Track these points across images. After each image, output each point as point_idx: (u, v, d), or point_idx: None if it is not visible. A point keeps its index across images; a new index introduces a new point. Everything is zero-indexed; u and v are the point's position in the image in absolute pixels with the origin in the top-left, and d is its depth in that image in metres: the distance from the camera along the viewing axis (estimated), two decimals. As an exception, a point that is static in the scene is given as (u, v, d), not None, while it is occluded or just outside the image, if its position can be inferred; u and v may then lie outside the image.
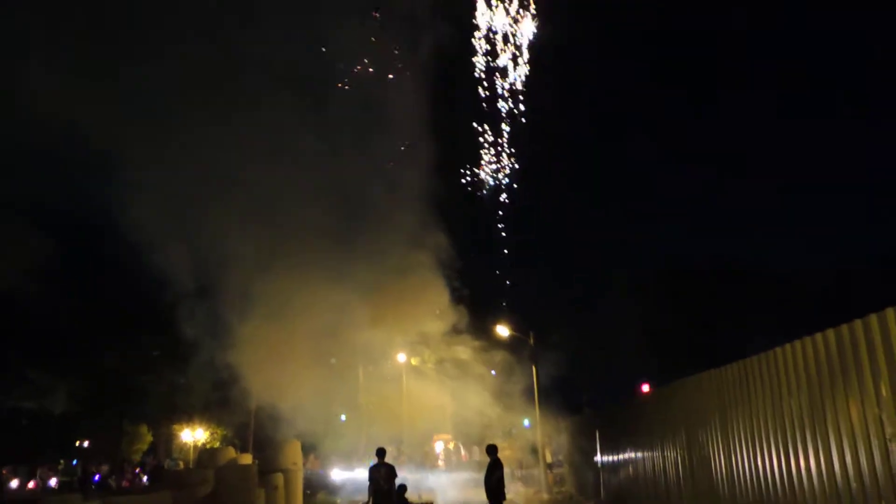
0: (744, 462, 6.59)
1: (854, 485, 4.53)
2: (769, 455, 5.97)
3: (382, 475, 12.96)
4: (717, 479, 7.40)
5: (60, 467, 39.23)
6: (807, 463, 5.24)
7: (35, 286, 27.05)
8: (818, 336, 5.02)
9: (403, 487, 16.77)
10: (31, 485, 31.75)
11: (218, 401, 35.84)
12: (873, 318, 4.32)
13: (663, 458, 9.75)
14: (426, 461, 30.31)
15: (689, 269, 31.68)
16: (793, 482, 5.51)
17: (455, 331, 31.55)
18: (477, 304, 34.73)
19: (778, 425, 5.77)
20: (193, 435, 43.70)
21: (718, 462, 7.36)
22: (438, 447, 34.12)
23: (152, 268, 23.00)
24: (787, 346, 5.55)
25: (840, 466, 4.72)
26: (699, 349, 7.62)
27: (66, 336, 30.93)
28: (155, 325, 26.37)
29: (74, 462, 39.43)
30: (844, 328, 4.65)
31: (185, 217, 21.60)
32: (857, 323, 4.48)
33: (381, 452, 13.48)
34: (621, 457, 13.05)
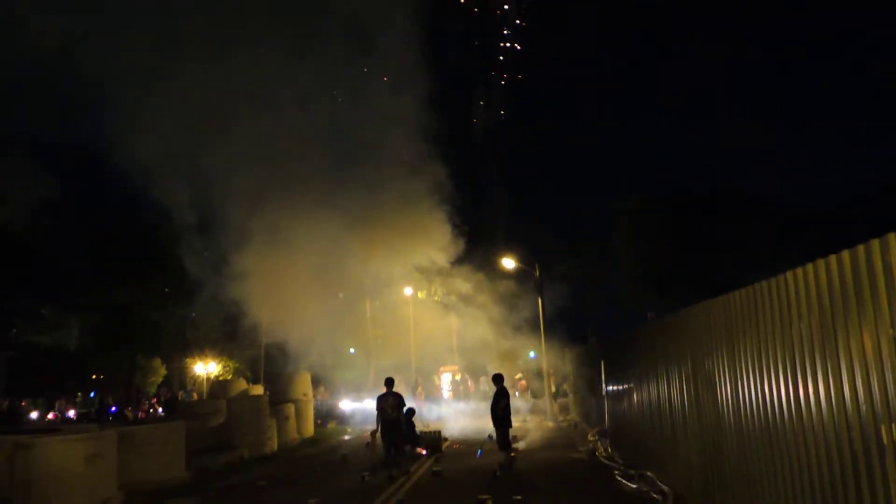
0: (751, 389, 6.50)
1: (864, 408, 4.40)
2: (777, 382, 5.86)
3: (390, 404, 13.17)
4: (722, 407, 7.34)
5: (79, 400, 40.29)
6: (815, 389, 5.11)
7: (45, 223, 27.15)
8: (832, 258, 4.81)
9: (412, 411, 17.05)
10: (50, 416, 32.61)
11: (228, 335, 36.40)
12: (892, 237, 4.10)
13: (668, 387, 9.71)
14: (433, 392, 30.79)
15: (694, 197, 31.28)
16: (800, 408, 5.40)
17: (460, 263, 31.58)
18: (483, 237, 34.68)
19: (787, 351, 5.63)
20: (206, 368, 44.62)
21: (724, 390, 7.28)
22: (445, 379, 34.61)
23: (159, 203, 23.00)
24: (799, 269, 5.35)
25: (850, 390, 4.58)
26: (704, 280, 7.48)
27: (76, 273, 31.17)
28: (164, 261, 26.47)
29: (92, 394, 40.46)
30: (860, 248, 4.43)
31: (188, 153, 21.45)
32: (875, 243, 4.26)
33: (389, 382, 13.63)
34: (625, 386, 13.08)
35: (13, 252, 26.65)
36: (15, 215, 26.21)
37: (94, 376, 40.40)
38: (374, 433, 13.70)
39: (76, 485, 10.66)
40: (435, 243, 25.69)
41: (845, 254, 4.62)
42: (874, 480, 4.33)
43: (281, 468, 15.15)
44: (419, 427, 17.50)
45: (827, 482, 4.97)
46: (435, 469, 13.00)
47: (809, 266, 5.17)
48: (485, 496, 9.65)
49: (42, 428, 14.88)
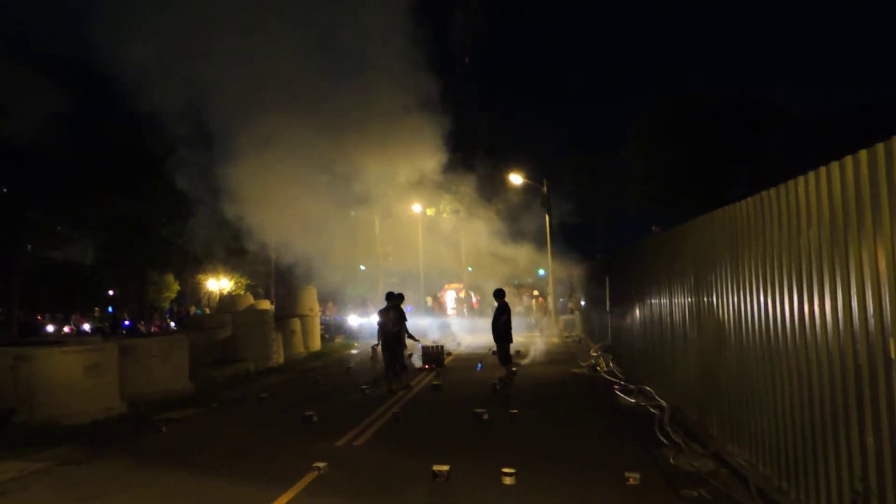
0: (754, 302, 6.21)
1: (873, 321, 4.09)
2: (781, 294, 5.55)
3: (391, 318, 13.06)
4: (724, 320, 7.08)
5: (96, 314, 40.98)
6: (821, 301, 4.80)
7: (52, 137, 26.79)
8: (847, 160, 4.39)
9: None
10: (66, 329, 33.20)
11: (237, 251, 36.49)
12: (917, 134, 3.68)
13: (670, 302, 9.47)
14: (438, 310, 30.97)
15: (706, 105, 30.16)
16: (804, 321, 5.11)
17: (467, 179, 31.11)
18: (491, 153, 34.02)
19: (793, 262, 5.29)
20: (219, 284, 45.04)
21: (727, 304, 7.01)
22: (450, 296, 34.76)
23: (165, 119, 22.61)
24: (811, 173, 4.94)
25: (859, 302, 4.26)
26: (715, 193, 7.12)
27: (85, 187, 30.99)
28: (172, 177, 26.15)
29: (110, 310, 41.16)
30: (880, 147, 4.01)
31: (191, 67, 20.96)
32: (896, 141, 3.85)
33: (390, 296, 13.49)
34: (628, 302, 12.88)
35: (21, 165, 26.44)
36: (21, 129, 25.84)
37: (111, 291, 41.01)
38: (375, 347, 13.68)
39: (77, 395, 10.74)
40: (439, 156, 25.25)
41: (862, 154, 4.20)
42: (878, 394, 4.08)
43: (285, 381, 15.29)
44: (423, 343, 17.56)
45: (828, 396, 4.74)
46: (435, 383, 13.04)
47: (822, 169, 4.76)
48: (481, 410, 9.61)
49: (49, 340, 14.98)
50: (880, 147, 4.02)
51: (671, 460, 6.99)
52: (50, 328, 34.07)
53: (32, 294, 33.26)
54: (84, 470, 7.61)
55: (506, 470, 6.40)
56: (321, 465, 6.92)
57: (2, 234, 26.98)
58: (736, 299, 6.70)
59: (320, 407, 10.70)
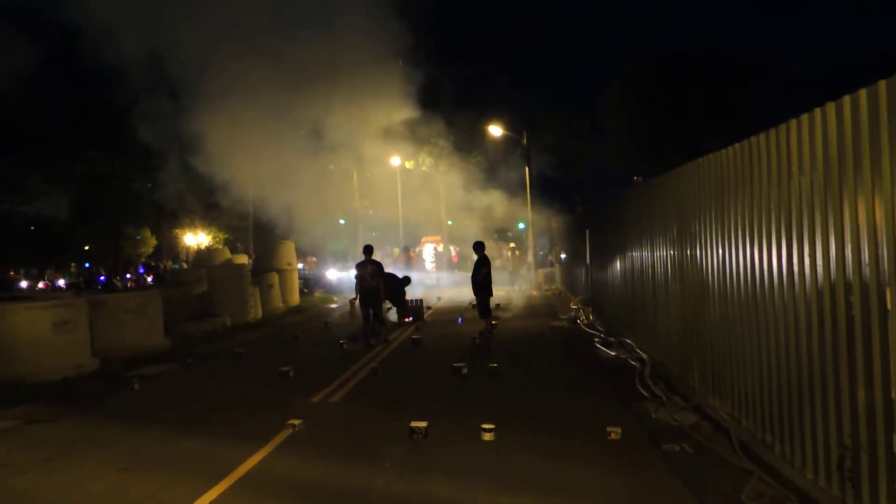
0: (739, 253, 6.02)
1: (867, 270, 3.91)
2: (769, 244, 5.35)
3: (369, 272, 12.79)
4: (708, 272, 6.91)
5: (72, 270, 40.32)
6: (812, 250, 4.60)
7: (20, 93, 25.94)
8: (845, 99, 4.14)
9: (407, 279, 16.87)
10: (40, 285, 32.60)
11: (214, 206, 35.90)
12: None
13: (652, 254, 9.29)
14: (414, 264, 30.77)
15: (687, 62, 29.76)
16: (792, 271, 4.93)
17: (447, 131, 30.58)
18: (472, 105, 33.44)
19: (783, 210, 5.08)
20: (196, 238, 44.48)
21: (711, 255, 6.83)
22: (427, 249, 34.53)
23: (133, 70, 21.85)
24: (804, 116, 4.68)
25: (853, 251, 4.07)
26: (697, 149, 6.95)
27: (55, 142, 30.21)
28: (141, 129, 25.42)
29: (87, 265, 40.52)
30: (882, 85, 3.77)
31: (157, 16, 20.26)
32: (899, 78, 3.61)
33: (368, 250, 13.22)
34: (609, 254, 12.73)
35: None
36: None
37: (87, 247, 40.32)
38: (353, 301, 13.47)
39: (46, 352, 10.43)
40: (416, 107, 24.81)
41: (862, 93, 3.95)
42: (871, 346, 3.92)
43: (262, 336, 15.10)
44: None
45: (816, 348, 4.59)
46: (414, 337, 12.89)
47: (817, 111, 4.51)
48: (460, 363, 9.47)
49: (16, 296, 14.57)
50: (882, 85, 3.77)
51: (652, 414, 6.91)
52: (23, 284, 33.44)
53: (3, 250, 32.60)
54: (52, 428, 7.38)
55: (485, 426, 6.26)
56: (296, 422, 6.74)
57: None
58: (721, 250, 6.52)
59: (297, 362, 10.52)
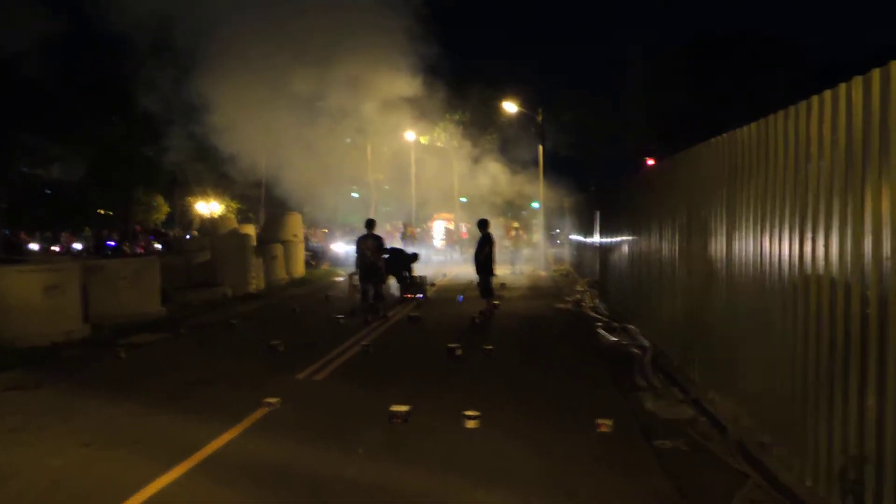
0: (749, 241, 5.60)
1: (888, 264, 3.50)
2: (781, 232, 4.93)
3: (369, 246, 12.44)
4: (715, 260, 6.51)
5: (87, 234, 40.47)
6: (827, 240, 4.18)
7: (35, 59, 25.87)
8: (874, 73, 3.69)
9: (415, 255, 16.55)
10: (55, 249, 32.73)
11: (227, 175, 35.84)
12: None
13: (660, 238, 8.87)
14: (424, 240, 30.45)
15: (713, 40, 28.84)
16: (804, 261, 4.50)
17: (463, 107, 30.07)
18: (488, 81, 32.82)
19: (798, 196, 4.65)
20: (209, 207, 44.47)
21: (719, 241, 6.41)
22: (438, 226, 34.15)
23: (146, 39, 21.66)
24: (827, 92, 4.23)
25: (873, 241, 3.66)
26: (719, 132, 6.52)
27: (70, 107, 30.16)
28: (153, 96, 25.25)
29: (103, 230, 40.60)
30: (916, 56, 3.33)
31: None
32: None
33: (369, 223, 12.88)
34: (617, 237, 12.30)
35: (7, 85, 25.51)
36: (3, 48, 24.76)
37: (102, 211, 40.43)
38: (352, 276, 13.18)
39: (35, 316, 10.20)
40: (432, 81, 24.38)
41: (894, 65, 3.51)
42: (885, 349, 3.52)
43: (261, 307, 14.85)
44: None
45: (825, 348, 4.18)
46: (412, 315, 12.57)
47: (841, 87, 4.06)
48: (455, 345, 9.14)
49: (11, 259, 14.41)
50: (916, 56, 3.33)
51: (648, 406, 6.54)
52: (34, 246, 33.53)
53: (18, 212, 32.70)
54: (27, 397, 7.14)
55: (469, 413, 5.93)
56: (274, 400, 6.45)
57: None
58: (730, 237, 6.09)
59: (290, 336, 10.25)
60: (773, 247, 5.10)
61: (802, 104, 4.62)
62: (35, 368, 8.51)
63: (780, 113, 4.98)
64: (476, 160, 31.26)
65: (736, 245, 5.93)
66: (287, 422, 6.05)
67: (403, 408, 6.06)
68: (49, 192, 35.87)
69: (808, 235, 4.47)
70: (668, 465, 5.05)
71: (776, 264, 5.02)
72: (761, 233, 5.32)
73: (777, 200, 5.01)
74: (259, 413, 6.24)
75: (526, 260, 25.13)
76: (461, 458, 5.16)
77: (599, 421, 5.78)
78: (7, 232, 33.86)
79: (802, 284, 4.54)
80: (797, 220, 4.65)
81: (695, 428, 5.84)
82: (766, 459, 4.90)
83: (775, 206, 5.05)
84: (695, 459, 5.17)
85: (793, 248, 4.72)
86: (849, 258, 3.92)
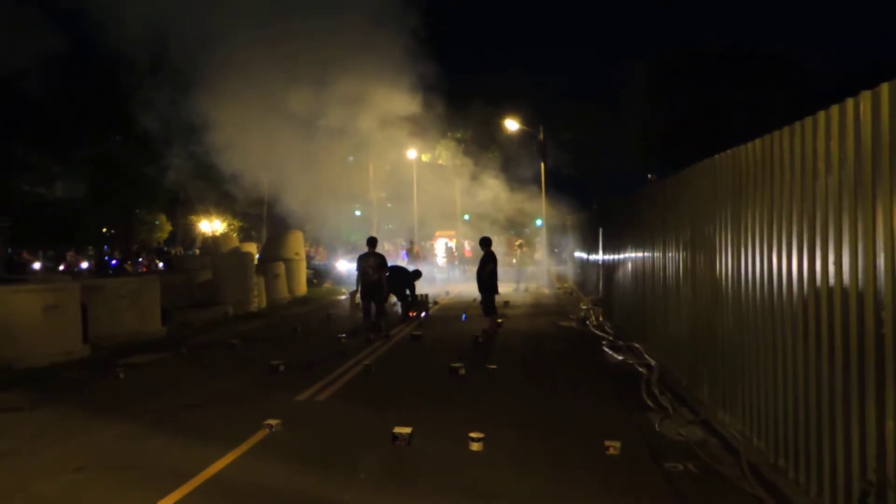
0: (756, 258, 5.50)
1: (904, 282, 3.40)
2: (789, 249, 4.83)
3: (371, 265, 12.30)
4: (722, 276, 6.39)
5: (91, 252, 40.47)
6: (838, 257, 4.08)
7: (37, 78, 26.00)
8: (883, 87, 3.62)
9: (418, 273, 16.40)
10: (60, 268, 32.66)
11: (229, 194, 35.88)
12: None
13: (664, 255, 8.77)
14: (427, 258, 30.36)
15: (712, 55, 28.82)
16: (814, 279, 4.40)
17: (464, 125, 30.06)
18: (489, 99, 32.92)
19: (806, 212, 4.56)
20: (211, 225, 44.47)
21: (725, 260, 6.31)
22: (440, 244, 34.07)
23: (145, 58, 21.75)
24: (834, 107, 4.15)
25: (887, 258, 3.56)
26: (719, 149, 6.45)
27: (70, 124, 30.23)
28: (153, 115, 25.29)
29: (106, 247, 40.62)
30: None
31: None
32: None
33: (371, 241, 12.77)
34: (621, 254, 12.20)
35: (7, 103, 25.63)
36: (8, 68, 24.92)
37: (105, 230, 40.44)
38: (353, 294, 13.06)
39: (34, 337, 10.10)
40: (434, 100, 24.44)
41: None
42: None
43: (262, 326, 14.73)
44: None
45: (839, 367, 4.06)
46: (415, 333, 12.44)
47: (849, 102, 3.99)
48: (458, 364, 9.01)
49: (9, 279, 14.31)
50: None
51: (656, 427, 6.40)
52: (37, 266, 33.48)
53: (21, 231, 32.70)
54: (22, 418, 7.02)
55: (473, 435, 5.80)
56: (274, 422, 6.32)
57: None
58: (736, 254, 5.99)
59: (291, 356, 10.13)
60: (781, 264, 5.00)
61: (808, 120, 4.54)
62: (33, 389, 8.38)
63: (786, 129, 4.90)
64: (478, 178, 31.27)
65: (743, 262, 5.83)
66: (286, 445, 5.91)
67: (406, 430, 5.93)
68: (52, 210, 35.89)
69: (818, 252, 4.37)
70: (679, 489, 4.91)
71: (785, 281, 4.91)
72: (769, 250, 5.23)
73: (784, 217, 4.92)
74: (258, 436, 6.11)
75: (529, 278, 25.02)
76: (464, 483, 5.02)
77: (607, 443, 5.65)
78: (10, 251, 33.88)
79: (813, 302, 4.44)
80: (805, 236, 4.56)
81: (705, 450, 5.70)
82: (781, 483, 4.76)
83: (782, 222, 4.96)
84: (707, 483, 5.03)
85: (802, 265, 4.62)
86: (860, 275, 3.81)
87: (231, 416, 6.94)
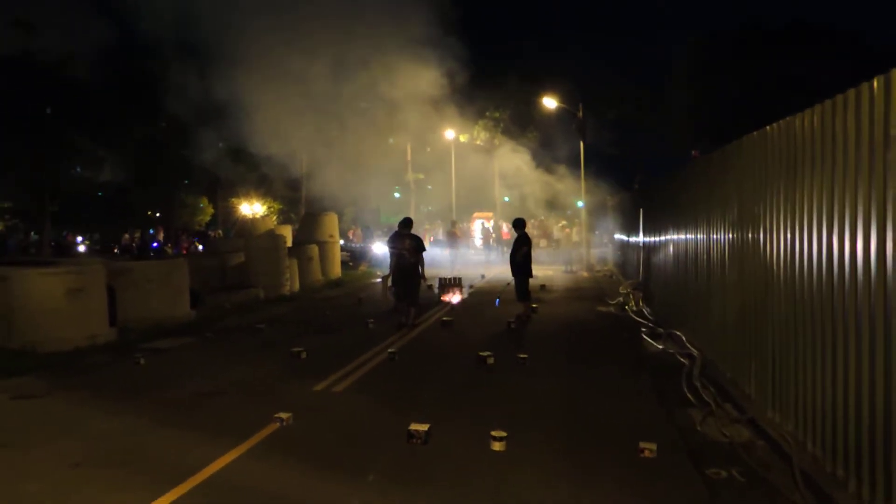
0: (813, 240, 4.88)
1: None
2: (853, 229, 4.23)
3: (407, 247, 11.67)
4: (773, 261, 5.78)
5: (137, 235, 41.22)
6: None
7: (85, 63, 26.34)
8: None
9: (418, 243, 15.98)
10: (115, 251, 33.35)
11: (269, 177, 36.03)
12: None
13: (708, 237, 8.12)
14: (463, 240, 29.95)
15: (764, 32, 27.43)
16: (885, 264, 3.81)
17: (503, 104, 29.42)
18: (529, 77, 32.11)
19: (874, 186, 3.95)
20: (252, 208, 44.89)
21: (776, 241, 5.68)
22: (477, 225, 33.58)
23: (187, 43, 21.77)
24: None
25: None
26: (764, 120, 5.87)
27: (115, 109, 30.67)
28: (192, 98, 25.33)
29: (151, 231, 41.38)
30: None
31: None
32: None
33: (406, 223, 12.17)
34: (662, 236, 11.53)
35: (56, 86, 26.01)
36: (52, 50, 25.24)
37: (150, 213, 41.18)
38: (385, 278, 12.66)
39: (58, 320, 9.98)
40: (474, 78, 23.98)
41: None
42: None
43: (292, 310, 14.47)
44: (443, 273, 16.59)
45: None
46: (445, 319, 11.98)
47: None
48: (487, 353, 8.55)
49: (34, 260, 14.36)
50: None
51: (697, 426, 5.85)
52: (81, 248, 34.17)
53: (70, 214, 33.40)
54: (33, 405, 6.82)
55: (495, 433, 5.34)
56: (285, 415, 5.96)
57: (41, 154, 26.80)
58: (790, 235, 5.37)
59: (315, 341, 9.82)
60: (843, 245, 4.38)
61: (878, 79, 3.91)
62: (50, 374, 8.23)
63: (851, 91, 4.27)
64: (516, 158, 30.61)
65: (797, 243, 5.21)
66: (296, 441, 5.54)
67: (423, 427, 5.50)
68: (101, 193, 36.58)
69: (890, 231, 3.77)
70: (721, 499, 4.38)
71: (848, 264, 4.30)
72: (828, 230, 4.61)
73: (847, 192, 4.30)
74: (268, 430, 5.75)
75: (568, 260, 24.37)
76: (482, 486, 4.57)
77: (642, 445, 5.13)
78: (64, 234, 34.66)
79: (881, 288, 3.84)
80: (873, 214, 3.94)
81: (752, 454, 5.13)
82: (838, 495, 4.19)
83: (845, 197, 4.34)
84: (753, 492, 4.48)
85: (869, 245, 4.01)
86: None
87: (243, 407, 6.61)
